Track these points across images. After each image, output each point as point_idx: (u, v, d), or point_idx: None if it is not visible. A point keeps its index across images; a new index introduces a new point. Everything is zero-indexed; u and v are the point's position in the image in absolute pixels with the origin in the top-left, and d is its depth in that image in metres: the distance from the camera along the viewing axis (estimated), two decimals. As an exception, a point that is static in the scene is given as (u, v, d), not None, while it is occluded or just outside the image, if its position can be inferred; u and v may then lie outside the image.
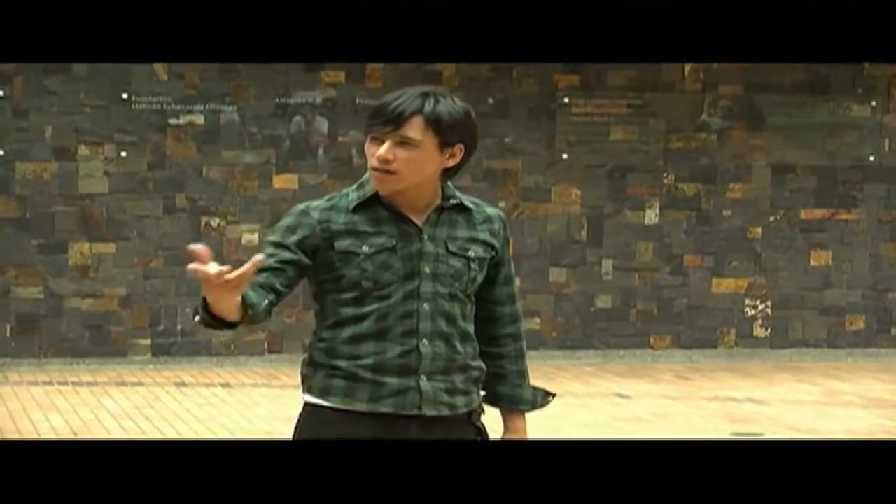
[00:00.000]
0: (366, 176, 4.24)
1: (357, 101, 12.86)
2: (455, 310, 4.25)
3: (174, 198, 12.53)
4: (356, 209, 4.21)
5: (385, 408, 4.20)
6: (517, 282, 4.54)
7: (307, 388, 4.29)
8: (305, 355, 4.35)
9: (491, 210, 4.43)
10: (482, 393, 4.44)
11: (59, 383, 11.64)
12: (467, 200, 4.36)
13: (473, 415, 4.35)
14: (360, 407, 4.20)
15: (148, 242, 12.48)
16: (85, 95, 12.45)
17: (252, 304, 4.00)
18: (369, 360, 4.19)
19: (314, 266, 4.21)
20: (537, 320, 13.27)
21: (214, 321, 3.99)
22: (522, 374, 4.47)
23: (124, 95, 12.49)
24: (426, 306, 4.20)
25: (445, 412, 4.25)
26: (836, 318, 13.87)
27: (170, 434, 9.69)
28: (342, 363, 4.21)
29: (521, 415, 4.48)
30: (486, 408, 4.48)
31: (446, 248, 4.24)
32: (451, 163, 4.25)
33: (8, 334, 12.42)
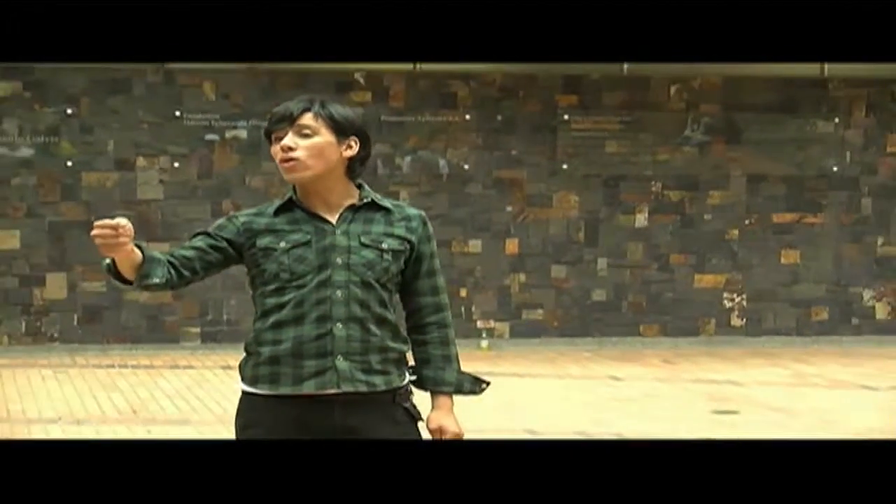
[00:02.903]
0: (290, 187, 4.24)
1: (381, 118, 12.88)
2: (369, 296, 4.13)
3: (221, 204, 12.57)
4: (277, 213, 4.18)
5: (307, 388, 4.09)
6: (443, 279, 4.35)
7: (241, 378, 4.23)
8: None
9: (412, 211, 4.27)
10: (412, 378, 4.29)
11: (120, 366, 11.68)
12: (388, 202, 4.25)
13: (398, 396, 4.19)
14: (285, 391, 4.10)
15: (198, 242, 12.50)
16: (143, 113, 12.50)
17: (146, 273, 4.03)
18: (289, 344, 4.10)
19: (244, 264, 4.23)
20: (540, 311, 13.29)
21: (115, 275, 4.07)
22: (447, 358, 4.29)
23: (177, 113, 12.53)
24: (339, 293, 4.10)
25: (363, 388, 4.10)
26: (803, 310, 13.87)
27: (217, 411, 9.70)
28: (266, 349, 4.14)
29: (446, 396, 4.28)
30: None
31: (359, 240, 4.15)
32: (349, 154, 4.16)
33: (75, 323, 12.48)
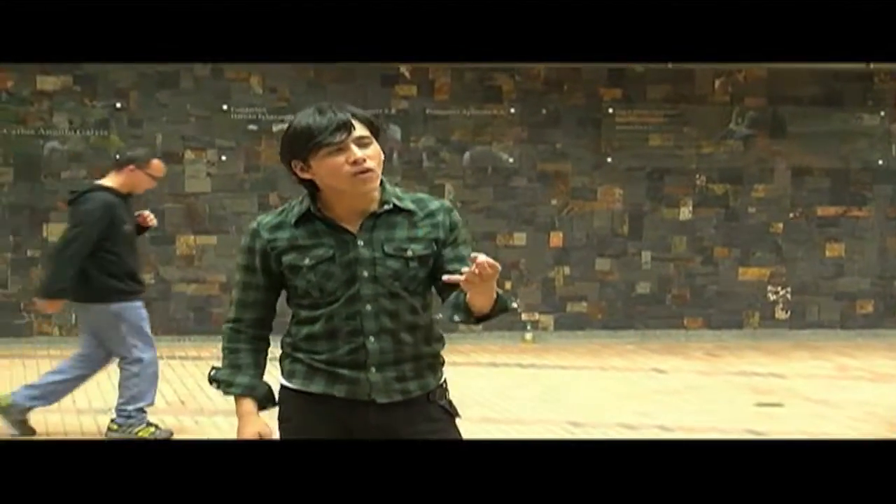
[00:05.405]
0: (305, 192, 4.14)
1: (426, 111, 12.93)
2: (399, 306, 4.07)
3: (267, 196, 12.65)
4: (297, 224, 4.10)
5: (339, 392, 4.09)
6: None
7: (280, 371, 4.24)
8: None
9: (435, 204, 4.15)
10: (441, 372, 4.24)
11: (168, 357, 11.71)
12: (409, 201, 4.13)
13: (433, 395, 4.16)
14: (317, 390, 4.11)
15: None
16: (191, 107, 12.59)
17: (260, 398, 4.24)
18: (323, 356, 4.10)
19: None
20: (584, 304, 13.31)
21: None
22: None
23: (224, 107, 12.62)
24: (368, 307, 4.04)
25: (398, 398, 4.10)
26: (847, 303, 13.84)
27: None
28: (302, 356, 4.15)
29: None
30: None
31: (383, 250, 4.06)
32: (383, 157, 4.10)
33: (124, 315, 12.56)
